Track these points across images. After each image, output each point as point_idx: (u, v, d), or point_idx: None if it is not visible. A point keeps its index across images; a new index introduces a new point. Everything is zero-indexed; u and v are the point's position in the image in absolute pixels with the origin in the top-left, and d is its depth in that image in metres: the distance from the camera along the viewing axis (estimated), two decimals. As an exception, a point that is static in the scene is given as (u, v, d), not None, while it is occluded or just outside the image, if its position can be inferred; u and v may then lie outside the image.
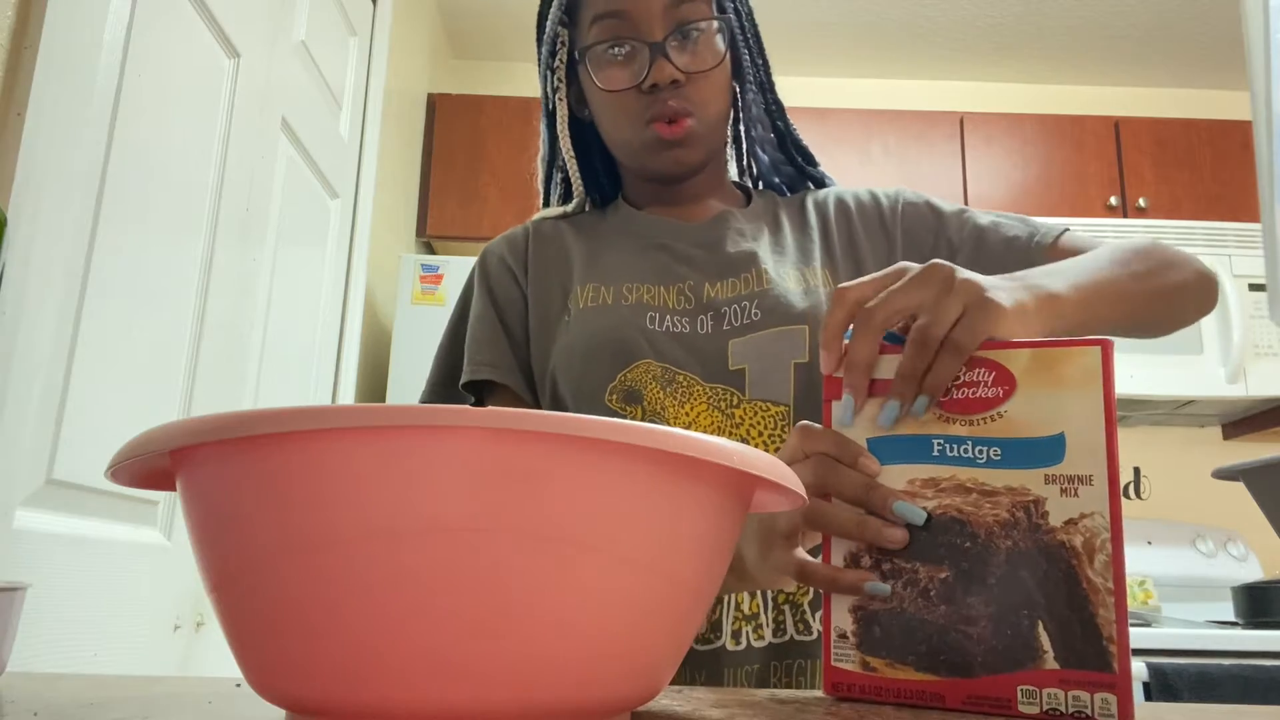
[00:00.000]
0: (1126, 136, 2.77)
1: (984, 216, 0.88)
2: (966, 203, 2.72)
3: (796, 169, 0.94)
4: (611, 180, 0.95)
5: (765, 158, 0.93)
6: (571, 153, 0.90)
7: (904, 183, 2.73)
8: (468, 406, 0.32)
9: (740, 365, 0.79)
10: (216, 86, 1.44)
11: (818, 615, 0.77)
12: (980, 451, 0.51)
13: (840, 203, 0.91)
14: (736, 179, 0.97)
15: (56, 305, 1.07)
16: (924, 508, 0.52)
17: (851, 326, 0.54)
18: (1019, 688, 0.48)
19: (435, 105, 2.78)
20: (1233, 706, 0.53)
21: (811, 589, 0.75)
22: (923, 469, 0.52)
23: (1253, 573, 2.59)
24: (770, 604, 0.77)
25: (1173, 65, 3.06)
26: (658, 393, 0.79)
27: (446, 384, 0.89)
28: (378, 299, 2.37)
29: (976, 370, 0.52)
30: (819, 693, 0.58)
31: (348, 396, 2.04)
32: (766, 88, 0.91)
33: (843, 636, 0.53)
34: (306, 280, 1.85)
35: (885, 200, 0.90)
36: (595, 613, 0.35)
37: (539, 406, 0.86)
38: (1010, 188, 2.74)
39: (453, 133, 2.75)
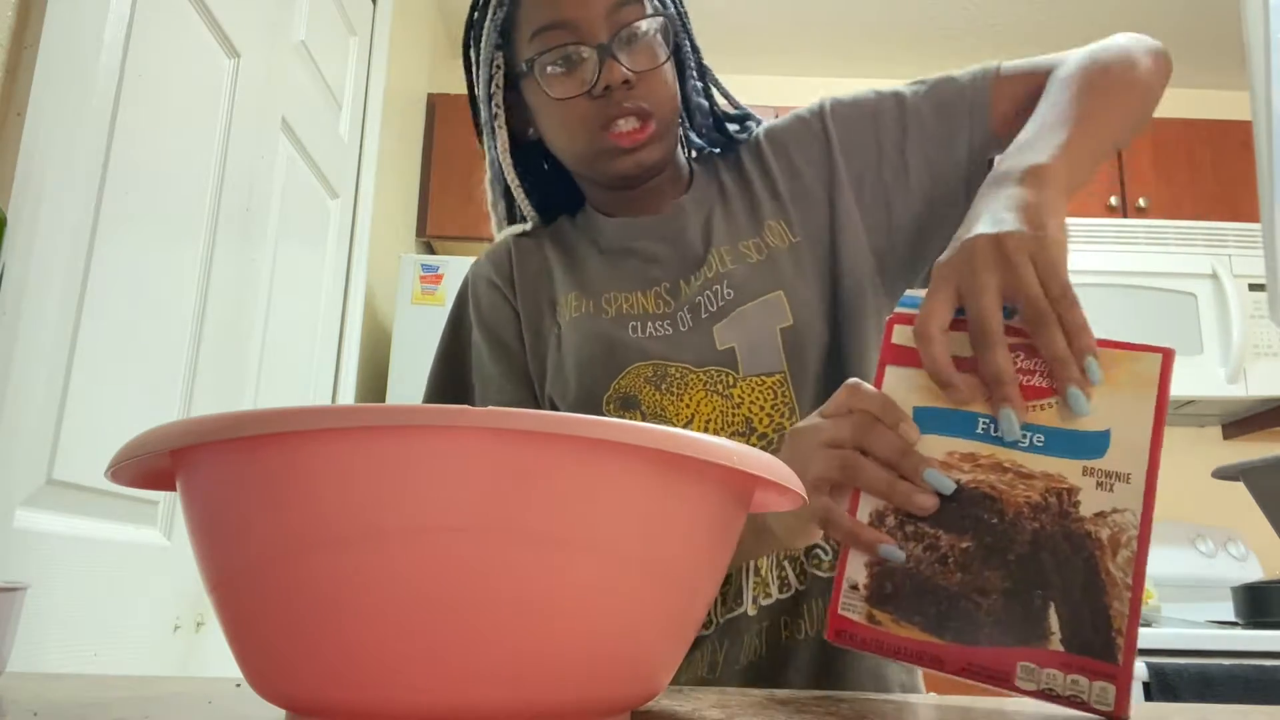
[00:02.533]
0: (1126, 136, 2.77)
1: (914, 91, 0.85)
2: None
3: (726, 135, 0.91)
4: (570, 191, 0.93)
5: (706, 139, 0.91)
6: (517, 181, 0.89)
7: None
8: (467, 407, 0.32)
9: (728, 344, 0.79)
10: (216, 86, 1.44)
11: (810, 557, 0.79)
12: (1025, 435, 0.52)
13: (772, 137, 0.89)
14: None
15: (56, 305, 1.07)
16: (958, 480, 0.53)
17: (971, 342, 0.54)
18: (1019, 663, 0.49)
19: (435, 105, 2.78)
20: (1233, 706, 0.53)
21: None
22: (964, 443, 0.53)
23: (1253, 573, 2.59)
24: (774, 563, 0.78)
25: (1172, 65, 3.06)
26: (653, 394, 0.79)
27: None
28: (378, 299, 2.37)
29: (1035, 359, 0.53)
30: (818, 691, 0.58)
31: (348, 396, 2.04)
32: (700, 73, 0.89)
33: (854, 588, 0.54)
34: (306, 280, 1.85)
35: (812, 118, 0.88)
36: (595, 613, 0.35)
37: None
38: (1010, 188, 2.74)
39: (453, 133, 2.74)
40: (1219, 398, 2.45)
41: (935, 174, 0.82)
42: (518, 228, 0.93)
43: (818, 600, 0.78)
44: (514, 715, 0.34)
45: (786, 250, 0.83)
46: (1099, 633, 0.48)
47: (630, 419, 0.79)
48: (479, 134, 0.92)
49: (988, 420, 0.53)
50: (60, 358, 1.08)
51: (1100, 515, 0.49)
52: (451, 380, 0.89)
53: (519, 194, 0.90)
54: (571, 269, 0.88)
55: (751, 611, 0.77)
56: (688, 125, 0.91)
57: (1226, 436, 2.83)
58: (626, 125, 0.79)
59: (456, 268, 2.36)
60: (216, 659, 1.46)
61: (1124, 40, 0.78)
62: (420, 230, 2.71)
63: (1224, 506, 2.77)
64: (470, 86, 0.91)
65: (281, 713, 0.43)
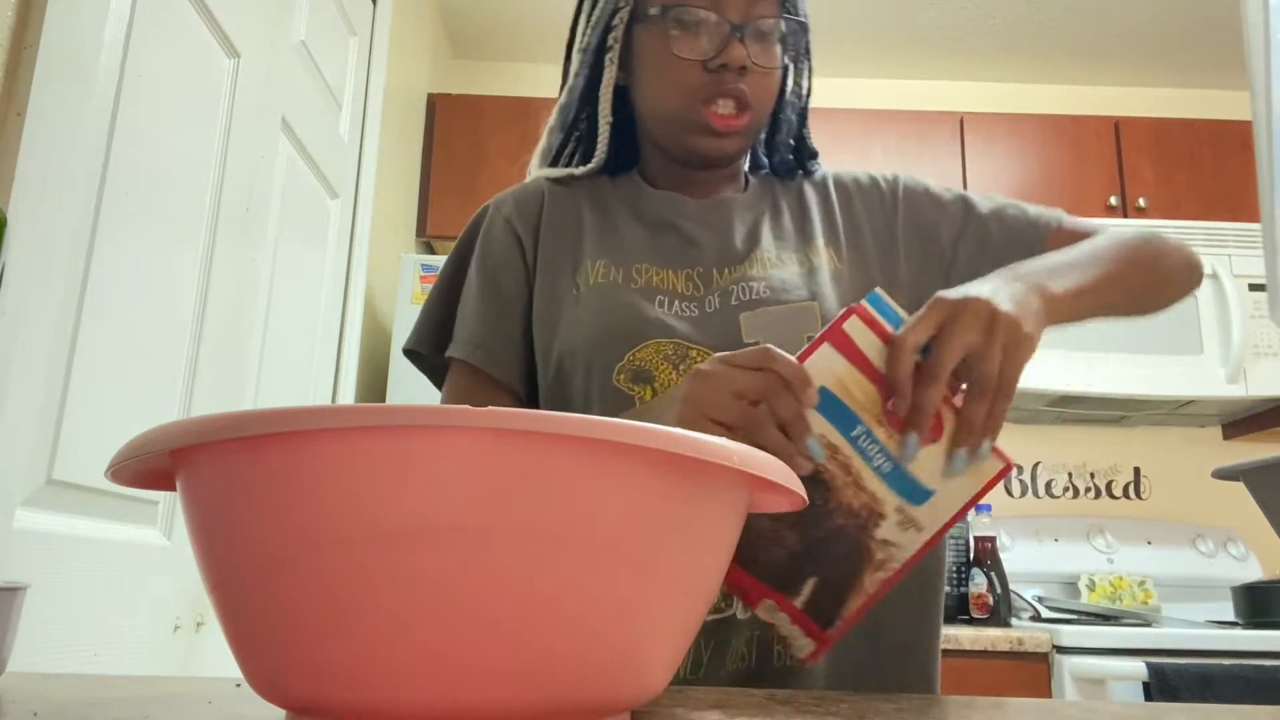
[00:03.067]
0: (1126, 136, 2.77)
1: (983, 204, 0.90)
2: (966, 203, 2.72)
3: (799, 163, 0.95)
4: (625, 148, 0.93)
5: (776, 158, 0.95)
6: (610, 117, 0.88)
7: (904, 183, 2.73)
8: (468, 407, 0.32)
9: (753, 338, 0.79)
10: (216, 86, 1.44)
11: None
12: (880, 458, 0.62)
13: (840, 183, 0.93)
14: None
15: (56, 305, 1.07)
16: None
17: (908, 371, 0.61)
18: (766, 600, 0.62)
19: (435, 105, 2.78)
20: (1233, 706, 0.54)
21: None
22: (835, 435, 0.61)
23: (1253, 573, 2.59)
24: None
25: (1173, 65, 3.06)
26: (669, 372, 0.78)
27: (433, 347, 0.88)
28: (378, 299, 2.37)
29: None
30: (817, 691, 0.58)
31: (348, 396, 2.04)
32: (805, 99, 0.92)
33: None
34: (306, 280, 1.85)
35: (884, 184, 0.92)
36: (595, 612, 0.35)
37: (522, 393, 0.86)
38: (1010, 188, 2.74)
39: (453, 133, 2.74)
40: (1219, 398, 2.45)
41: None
42: (555, 171, 0.92)
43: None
44: (514, 715, 0.34)
45: (829, 270, 0.84)
46: (829, 610, 0.61)
47: (640, 393, 0.78)
48: (568, 57, 0.91)
49: (864, 430, 0.61)
50: (60, 358, 1.08)
51: (884, 542, 0.61)
52: (448, 316, 0.88)
53: (604, 132, 0.89)
54: (605, 232, 0.87)
55: (741, 615, 0.76)
56: (766, 138, 0.94)
57: (1226, 436, 2.83)
58: (725, 108, 0.81)
59: (456, 268, 2.36)
60: (216, 659, 1.46)
61: (1176, 243, 0.87)
62: (420, 230, 2.71)
63: (1224, 506, 2.77)
64: (578, 14, 0.91)
65: (281, 713, 0.43)
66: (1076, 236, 0.87)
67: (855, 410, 0.61)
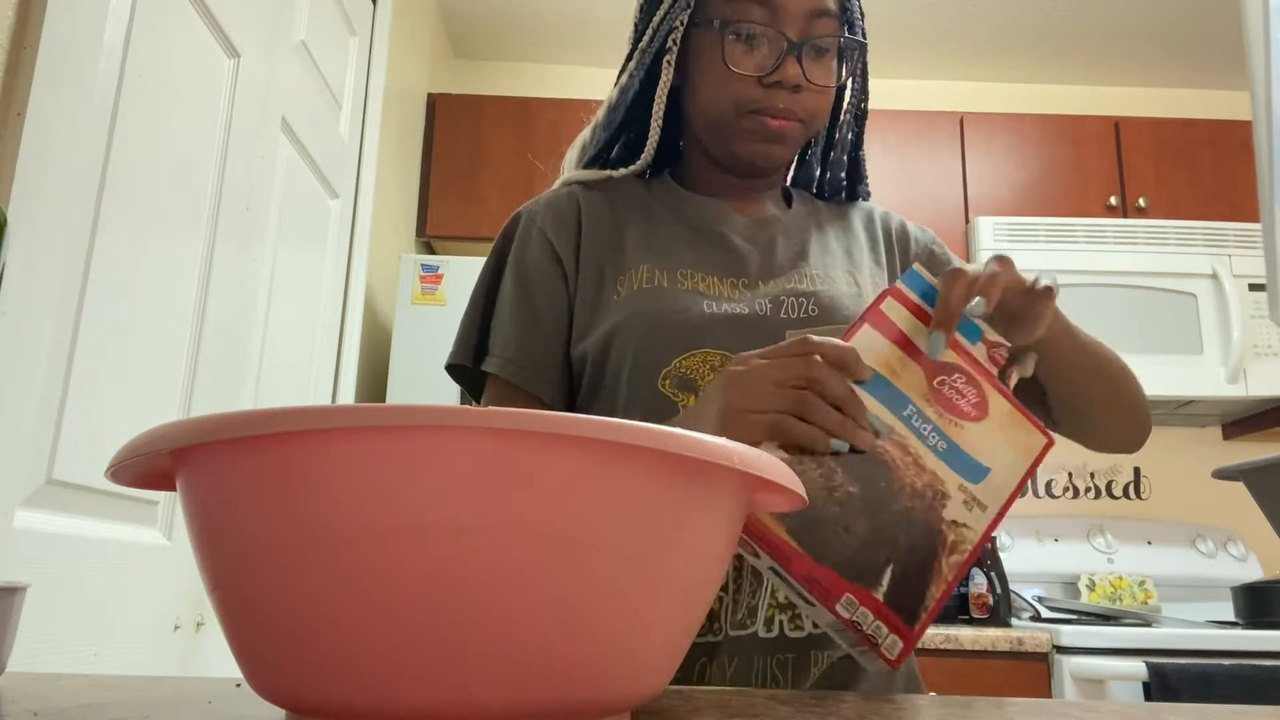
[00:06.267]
0: (1126, 136, 2.77)
1: None
2: (967, 203, 2.73)
3: (850, 185, 0.96)
4: (661, 151, 0.92)
5: (829, 175, 0.95)
6: (661, 121, 0.87)
7: (904, 183, 2.73)
8: (468, 407, 0.32)
9: None
10: (216, 86, 1.44)
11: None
12: (934, 436, 0.61)
13: (888, 220, 0.95)
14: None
15: (56, 305, 1.07)
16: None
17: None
18: (847, 594, 0.57)
19: (435, 105, 2.78)
20: (1233, 706, 0.53)
21: None
22: (888, 415, 0.60)
23: (1253, 573, 2.59)
24: (765, 603, 0.75)
25: (1173, 65, 3.06)
26: None
27: (474, 360, 0.86)
28: (378, 299, 2.37)
29: (970, 389, 0.62)
30: (817, 691, 0.58)
31: (348, 396, 2.04)
32: (856, 118, 0.93)
33: None
34: (306, 280, 1.85)
35: (923, 238, 0.95)
36: (595, 612, 0.35)
37: (561, 407, 0.84)
38: (1010, 188, 2.74)
39: (453, 133, 2.74)
40: (1219, 398, 2.45)
41: None
42: (588, 174, 0.91)
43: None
44: (514, 715, 0.34)
45: (876, 295, 0.84)
46: (913, 602, 0.58)
47: (684, 401, 0.78)
48: (629, 57, 0.91)
49: (915, 411, 0.61)
50: (60, 358, 1.08)
51: (954, 523, 0.59)
52: (485, 329, 0.86)
53: (654, 134, 0.88)
54: (648, 235, 0.86)
55: (764, 633, 0.74)
56: (820, 154, 0.95)
57: (1226, 437, 2.83)
58: (775, 119, 0.82)
59: (456, 268, 2.36)
60: (216, 659, 1.46)
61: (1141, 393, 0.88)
62: (420, 230, 2.71)
63: (1224, 506, 2.77)
64: (641, 11, 0.91)
65: (281, 713, 0.43)
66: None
67: (904, 390, 0.61)
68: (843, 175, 0.95)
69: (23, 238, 1.00)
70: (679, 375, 0.78)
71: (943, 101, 3.16)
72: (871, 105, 3.10)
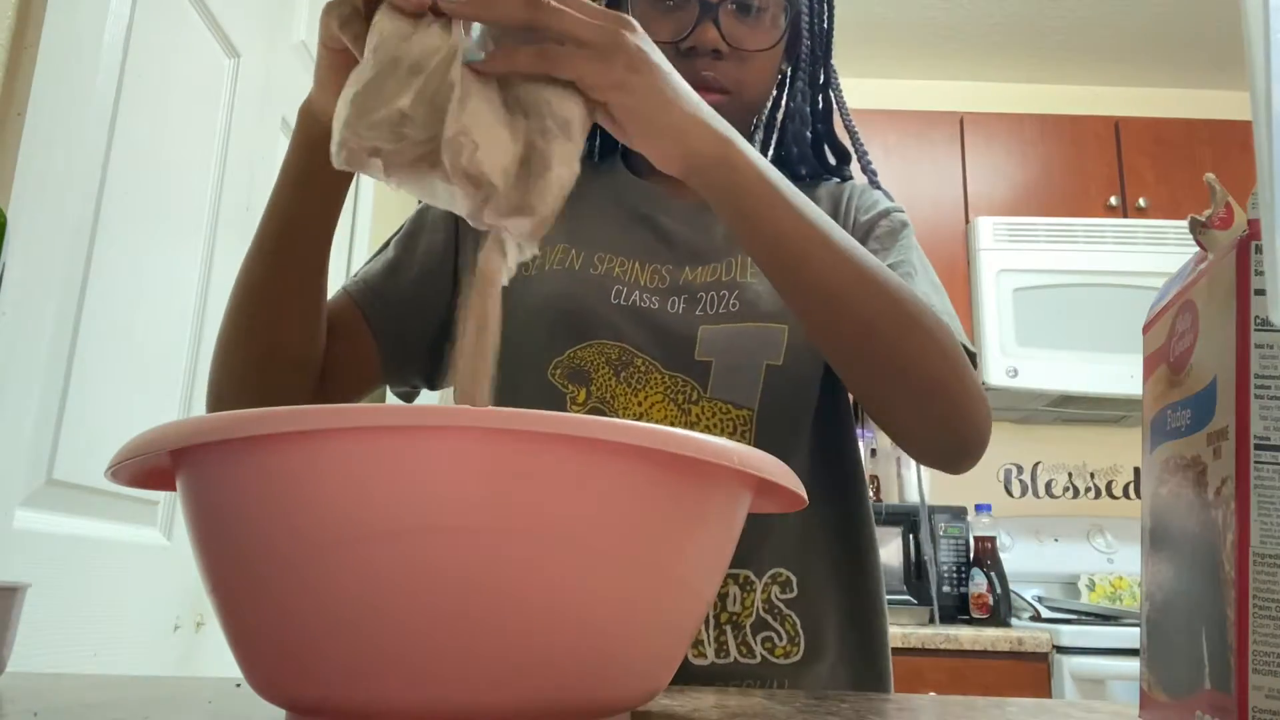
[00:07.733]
0: (1126, 136, 2.77)
1: (897, 258, 0.78)
2: (967, 203, 2.72)
3: (823, 167, 0.87)
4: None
5: (795, 150, 0.85)
6: None
7: (904, 183, 2.73)
8: (467, 407, 0.32)
9: (707, 356, 0.73)
10: (216, 86, 1.44)
11: (759, 637, 0.71)
12: (1181, 417, 0.39)
13: (859, 194, 0.84)
14: None
15: (56, 305, 1.07)
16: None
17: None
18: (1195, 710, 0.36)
19: (435, 105, 2.78)
20: (1233, 706, 0.53)
21: (754, 610, 0.70)
22: (1167, 447, 0.41)
23: (1253, 573, 2.59)
24: (713, 623, 0.70)
25: (1173, 65, 3.06)
26: (609, 378, 0.73)
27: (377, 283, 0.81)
28: (378, 299, 2.37)
29: (1184, 315, 0.41)
30: (818, 691, 0.58)
31: (348, 396, 2.04)
32: (818, 84, 0.84)
33: None
34: (306, 280, 1.85)
35: (892, 214, 0.83)
36: (594, 612, 0.35)
37: (388, 353, 0.77)
38: (1010, 188, 2.74)
39: (453, 133, 2.74)
40: (1219, 398, 2.44)
41: None
42: None
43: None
44: (514, 715, 0.34)
45: None
46: (1221, 652, 0.34)
47: (573, 394, 0.72)
48: None
49: (1172, 410, 0.41)
50: (60, 358, 1.08)
51: (1216, 493, 0.35)
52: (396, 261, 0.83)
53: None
54: (573, 216, 0.80)
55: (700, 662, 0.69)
56: (776, 127, 0.85)
57: (1226, 436, 2.83)
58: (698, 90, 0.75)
59: (456, 268, 2.36)
60: (216, 659, 1.46)
61: (951, 337, 0.64)
62: (420, 230, 2.71)
63: (1224, 506, 2.76)
64: None
65: (281, 713, 0.43)
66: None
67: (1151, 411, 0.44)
68: (810, 151, 0.84)
69: (23, 238, 1.00)
70: (571, 366, 0.73)
71: (942, 101, 3.16)
72: (871, 105, 3.10)
